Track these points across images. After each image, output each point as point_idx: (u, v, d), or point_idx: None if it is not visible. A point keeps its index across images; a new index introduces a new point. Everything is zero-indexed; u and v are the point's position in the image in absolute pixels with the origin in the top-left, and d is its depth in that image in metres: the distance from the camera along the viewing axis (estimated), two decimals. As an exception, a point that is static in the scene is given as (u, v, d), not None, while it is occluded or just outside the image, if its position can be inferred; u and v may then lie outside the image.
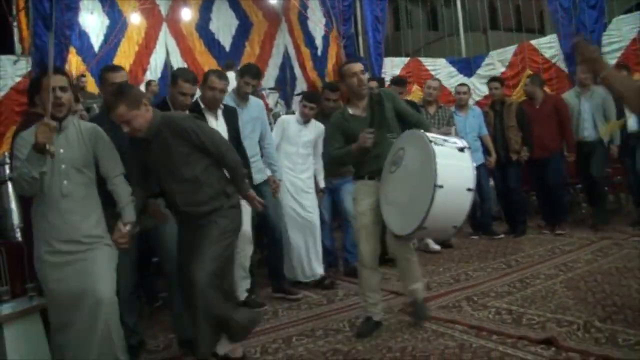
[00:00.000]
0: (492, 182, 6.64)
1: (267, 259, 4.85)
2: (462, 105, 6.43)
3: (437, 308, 3.87)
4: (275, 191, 4.53)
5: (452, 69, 9.54)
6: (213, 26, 10.61)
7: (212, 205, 3.05)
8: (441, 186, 2.98)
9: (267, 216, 4.37)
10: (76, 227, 2.78)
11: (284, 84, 10.84)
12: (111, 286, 2.80)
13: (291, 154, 4.75)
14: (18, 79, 7.00)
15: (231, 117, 4.12)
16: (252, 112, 4.47)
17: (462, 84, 6.86)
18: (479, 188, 5.96)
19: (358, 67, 3.61)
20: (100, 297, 2.72)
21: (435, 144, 3.11)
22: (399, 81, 6.13)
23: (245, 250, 4.13)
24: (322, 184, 4.96)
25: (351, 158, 3.62)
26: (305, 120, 4.77)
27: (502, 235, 6.23)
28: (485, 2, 11.61)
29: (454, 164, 3.11)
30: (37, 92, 2.91)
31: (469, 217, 5.96)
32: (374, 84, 5.71)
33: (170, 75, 4.00)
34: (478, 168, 5.85)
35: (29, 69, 7.00)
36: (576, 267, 4.61)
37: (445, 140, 3.21)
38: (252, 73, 4.44)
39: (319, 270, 4.77)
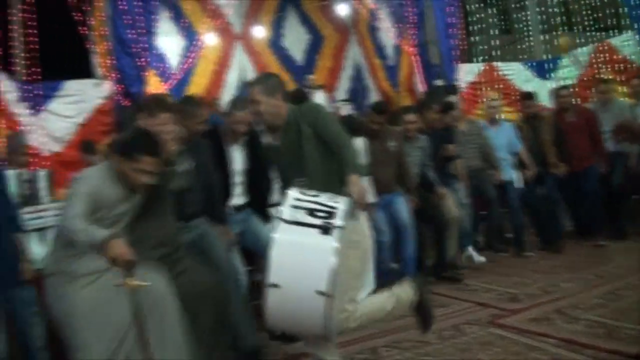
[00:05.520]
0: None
1: None
2: (493, 120, 6.14)
3: (527, 320, 3.77)
4: None
5: (528, 72, 9.34)
6: (285, 42, 10.79)
7: None
8: (276, 285, 2.32)
9: None
10: None
11: (357, 96, 10.86)
12: None
13: None
14: (100, 101, 7.41)
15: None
16: None
17: (493, 99, 6.48)
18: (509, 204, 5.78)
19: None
20: None
21: (287, 221, 2.39)
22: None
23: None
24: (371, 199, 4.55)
25: None
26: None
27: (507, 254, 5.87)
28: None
29: (302, 256, 2.37)
30: None
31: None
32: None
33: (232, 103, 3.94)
34: (506, 185, 5.75)
35: (110, 91, 7.42)
36: (672, 277, 4.39)
37: (317, 210, 2.42)
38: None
39: None
